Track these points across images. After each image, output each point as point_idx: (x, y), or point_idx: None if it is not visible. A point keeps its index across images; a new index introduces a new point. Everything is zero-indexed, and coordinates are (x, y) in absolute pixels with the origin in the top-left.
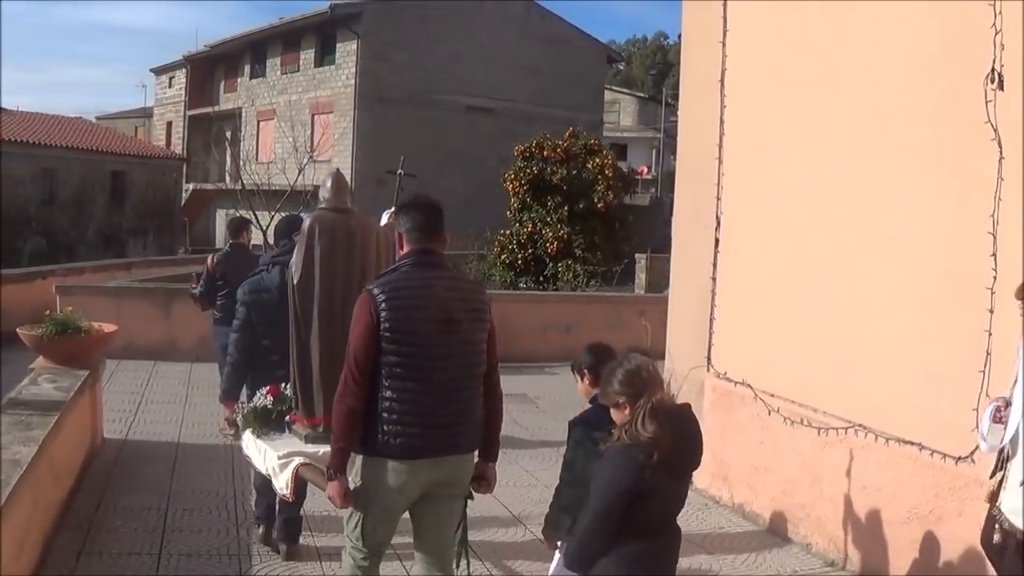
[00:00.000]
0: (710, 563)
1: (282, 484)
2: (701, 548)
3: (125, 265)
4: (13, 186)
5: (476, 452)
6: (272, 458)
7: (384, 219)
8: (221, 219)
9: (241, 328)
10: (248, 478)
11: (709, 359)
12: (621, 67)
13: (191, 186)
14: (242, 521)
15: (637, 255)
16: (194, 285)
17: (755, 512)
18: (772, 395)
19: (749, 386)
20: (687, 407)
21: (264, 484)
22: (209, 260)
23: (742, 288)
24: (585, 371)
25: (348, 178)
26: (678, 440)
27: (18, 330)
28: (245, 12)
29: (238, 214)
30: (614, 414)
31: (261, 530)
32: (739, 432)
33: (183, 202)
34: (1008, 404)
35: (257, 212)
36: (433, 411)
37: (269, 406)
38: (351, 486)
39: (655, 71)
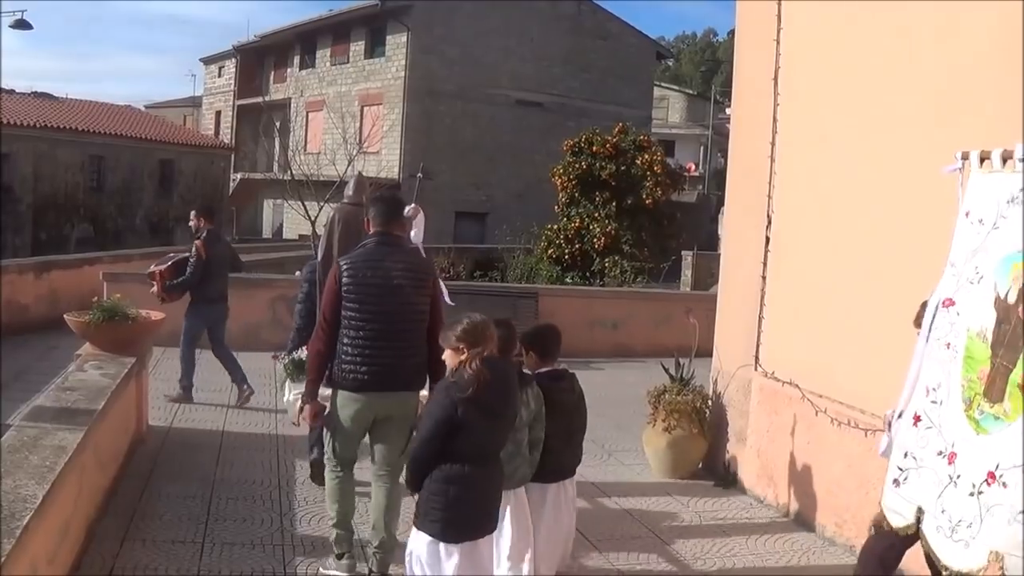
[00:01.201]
0: (753, 562)
1: (292, 414)
2: (744, 547)
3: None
4: (61, 172)
5: (418, 390)
6: (290, 396)
7: (406, 212)
8: (269, 208)
9: (304, 300)
10: (293, 467)
11: (757, 358)
12: (670, 63)
13: (239, 175)
14: (286, 511)
15: (684, 252)
16: (156, 279)
17: (799, 513)
18: (820, 396)
19: (797, 386)
20: (508, 360)
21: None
22: (200, 246)
23: (792, 288)
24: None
25: (396, 170)
26: (495, 384)
27: (65, 316)
28: (296, 5)
29: (285, 204)
30: (451, 357)
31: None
32: (785, 432)
33: (231, 191)
34: (900, 415)
35: (306, 203)
36: (376, 355)
37: (304, 359)
38: (326, 413)
39: (704, 68)
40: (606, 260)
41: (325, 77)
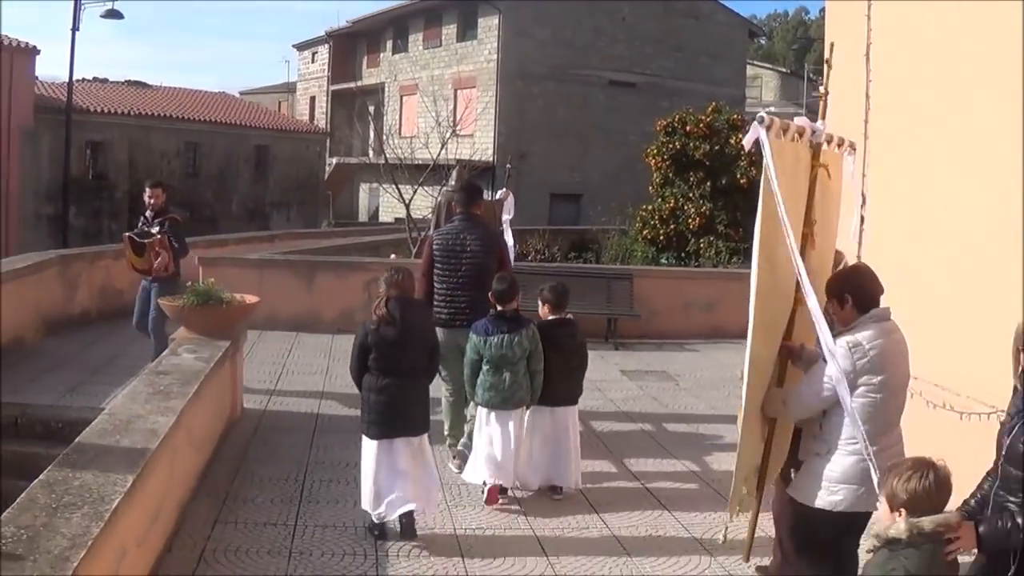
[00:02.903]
0: None
1: None
2: None
3: (268, 238)
4: (156, 159)
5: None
6: None
7: (498, 195)
8: (364, 193)
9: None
10: None
11: None
12: (763, 42)
13: (334, 160)
14: None
15: None
16: (165, 247)
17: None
18: (914, 377)
19: None
20: (417, 302)
21: None
22: (177, 217)
23: (886, 267)
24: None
25: (491, 152)
26: (392, 318)
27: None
28: None
29: (378, 187)
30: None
31: None
32: None
33: (326, 176)
34: None
35: (400, 186)
36: (451, 301)
37: None
38: None
39: (797, 46)
40: (701, 241)
41: (418, 61)
